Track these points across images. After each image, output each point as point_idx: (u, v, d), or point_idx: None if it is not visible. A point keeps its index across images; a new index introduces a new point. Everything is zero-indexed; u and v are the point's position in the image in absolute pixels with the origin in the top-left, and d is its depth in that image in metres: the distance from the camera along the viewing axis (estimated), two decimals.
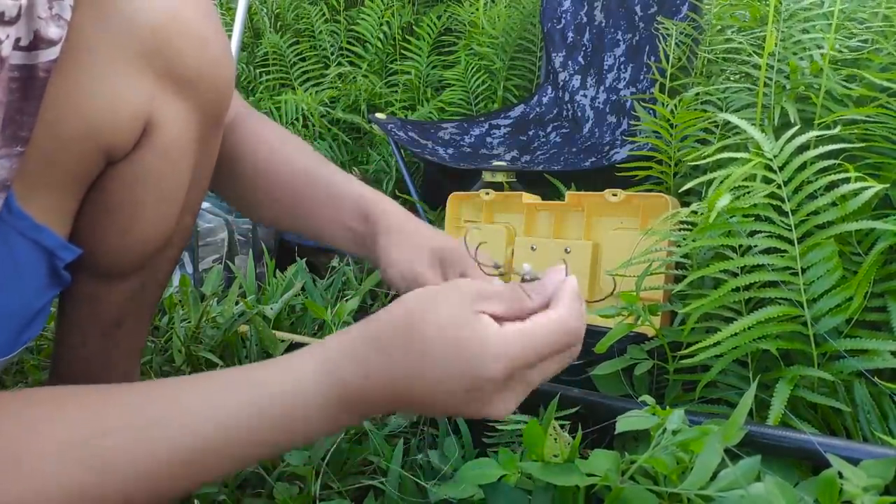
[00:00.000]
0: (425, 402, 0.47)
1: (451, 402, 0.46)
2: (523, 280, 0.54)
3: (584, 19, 1.82)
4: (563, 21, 1.86)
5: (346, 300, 1.12)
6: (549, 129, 1.79)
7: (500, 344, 0.45)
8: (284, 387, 0.47)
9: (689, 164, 1.03)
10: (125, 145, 0.58)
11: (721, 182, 0.74)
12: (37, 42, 0.49)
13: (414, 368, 0.46)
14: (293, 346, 0.99)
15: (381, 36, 2.36)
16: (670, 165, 1.10)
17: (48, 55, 0.50)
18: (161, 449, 0.44)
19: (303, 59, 2.42)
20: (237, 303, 1.09)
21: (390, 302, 1.18)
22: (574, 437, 0.61)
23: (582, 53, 1.80)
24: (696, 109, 1.09)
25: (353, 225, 0.74)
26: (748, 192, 0.77)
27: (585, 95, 1.75)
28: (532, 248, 1.19)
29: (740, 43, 1.10)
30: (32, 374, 0.96)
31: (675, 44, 1.34)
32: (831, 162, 0.74)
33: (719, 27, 1.31)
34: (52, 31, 0.50)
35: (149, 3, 0.55)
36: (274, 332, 1.01)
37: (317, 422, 0.47)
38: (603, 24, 1.77)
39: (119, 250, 0.65)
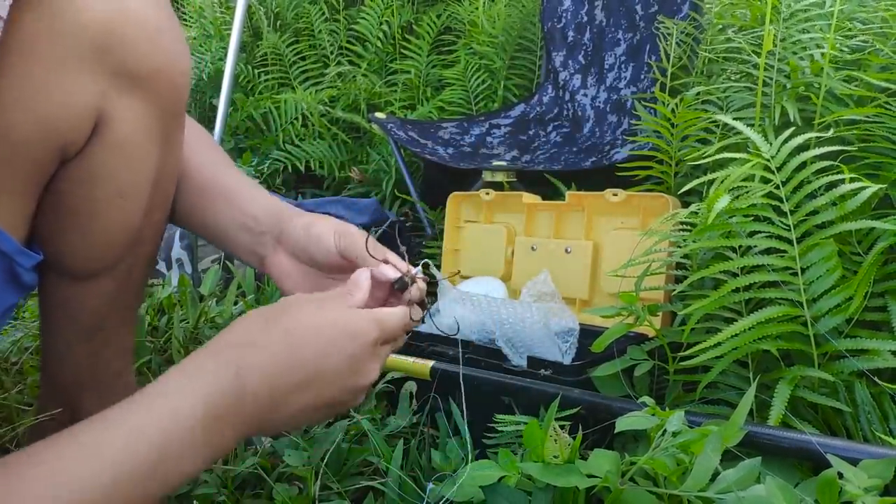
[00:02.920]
0: (309, 382, 0.51)
1: (338, 379, 0.52)
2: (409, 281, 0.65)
3: (585, 18, 1.82)
4: (563, 20, 1.86)
5: None
6: (549, 129, 1.79)
7: (368, 314, 0.55)
8: (165, 430, 0.46)
9: (689, 163, 1.03)
10: (78, 142, 0.58)
11: (720, 183, 0.74)
12: None
13: (296, 356, 0.51)
14: None
15: (381, 35, 2.36)
16: (671, 165, 1.10)
17: None
18: None
19: (302, 59, 2.42)
20: (236, 302, 1.09)
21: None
22: (574, 438, 0.61)
23: (582, 52, 1.79)
24: (696, 109, 1.09)
25: (254, 216, 0.74)
26: (747, 193, 0.77)
27: (586, 95, 1.75)
28: (532, 248, 1.19)
29: (740, 42, 1.10)
30: (31, 374, 0.96)
31: (676, 43, 1.34)
32: (830, 162, 0.74)
33: (720, 26, 1.31)
34: None
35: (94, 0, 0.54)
36: None
37: (202, 451, 0.47)
38: (603, 24, 1.77)
39: (83, 251, 0.64)
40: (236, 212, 0.75)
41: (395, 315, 0.58)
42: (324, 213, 1.57)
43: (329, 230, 0.69)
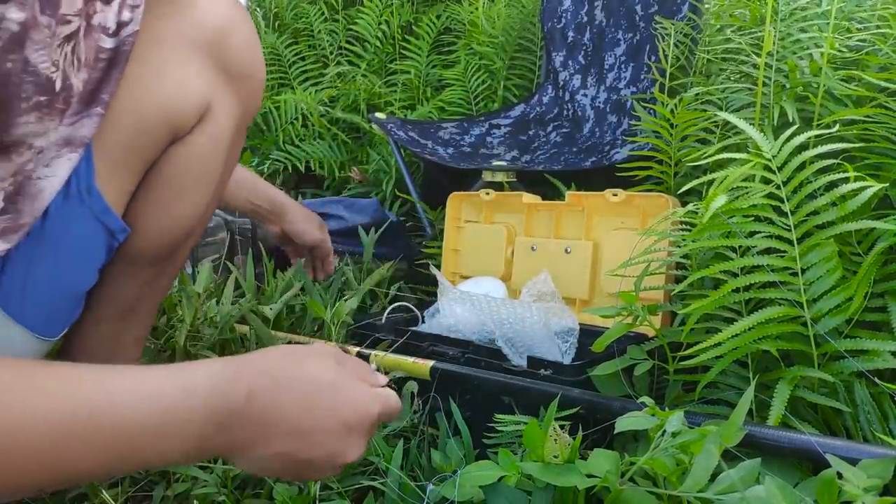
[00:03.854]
0: (302, 432, 0.51)
1: (327, 441, 0.52)
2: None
3: (585, 18, 1.82)
4: (563, 20, 1.86)
5: (346, 300, 1.11)
6: (549, 129, 1.79)
7: (375, 393, 0.57)
8: (176, 400, 0.48)
9: (689, 164, 1.03)
10: (187, 127, 0.67)
11: (720, 183, 0.74)
12: (119, 28, 0.60)
13: (302, 401, 0.52)
14: None
15: (380, 35, 2.36)
16: (671, 165, 1.10)
17: (129, 30, 0.61)
18: (57, 425, 0.43)
19: (302, 59, 2.42)
20: (233, 302, 1.09)
21: (391, 303, 1.18)
22: (574, 438, 0.61)
23: (582, 53, 1.80)
24: (696, 109, 1.09)
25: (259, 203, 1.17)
26: (747, 193, 0.77)
27: (586, 95, 1.75)
28: (532, 248, 1.19)
29: (739, 43, 1.10)
30: None
31: (675, 44, 1.34)
32: (830, 162, 0.74)
33: (718, 27, 1.31)
34: (126, 14, 0.60)
35: (214, 8, 0.67)
36: (273, 332, 1.01)
37: (191, 437, 0.48)
38: (603, 24, 1.77)
39: (158, 229, 0.70)
40: (243, 199, 1.03)
41: (394, 399, 0.59)
42: (323, 212, 1.59)
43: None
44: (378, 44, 2.35)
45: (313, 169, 2.02)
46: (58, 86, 0.55)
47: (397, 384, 0.88)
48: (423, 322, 1.12)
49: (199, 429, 0.48)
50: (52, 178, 0.59)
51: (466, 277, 1.26)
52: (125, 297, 0.73)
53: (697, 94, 1.12)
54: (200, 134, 0.68)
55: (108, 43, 0.59)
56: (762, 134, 0.77)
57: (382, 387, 0.59)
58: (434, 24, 2.30)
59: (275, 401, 0.51)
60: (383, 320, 1.09)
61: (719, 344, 0.71)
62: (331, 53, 2.43)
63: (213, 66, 0.66)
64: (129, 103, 0.62)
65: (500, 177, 1.39)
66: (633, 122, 1.49)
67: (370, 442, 0.58)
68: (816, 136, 0.78)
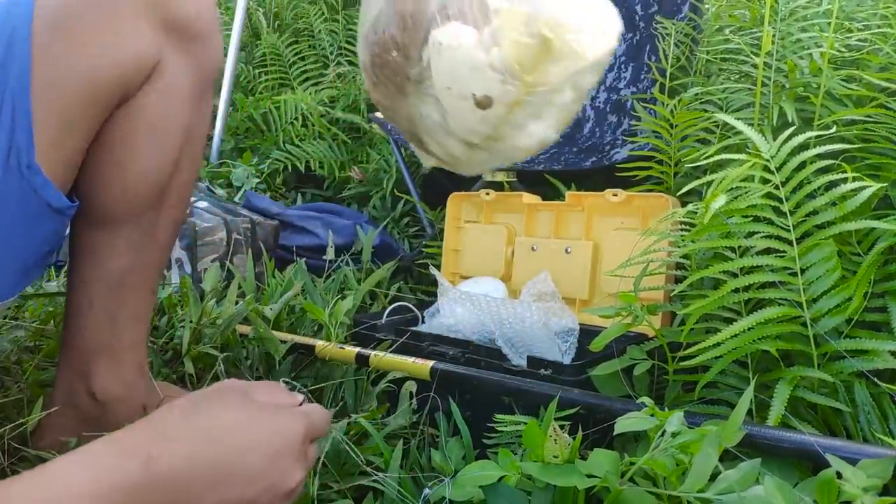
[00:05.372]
0: (228, 477, 0.48)
1: (260, 478, 0.49)
2: None
3: None
4: None
5: (344, 299, 1.11)
6: None
7: (296, 414, 0.54)
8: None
9: (689, 164, 1.03)
10: (137, 87, 0.67)
11: (719, 184, 0.74)
12: None
13: (215, 449, 0.48)
14: (294, 348, 0.99)
15: None
16: (670, 165, 1.10)
17: None
18: None
19: (302, 59, 2.42)
20: (236, 302, 1.09)
21: (391, 303, 1.17)
22: (574, 438, 0.61)
23: None
24: (695, 109, 1.09)
25: None
26: (746, 193, 0.77)
27: None
28: (532, 248, 1.19)
29: (738, 43, 1.10)
30: (33, 374, 0.96)
31: (675, 44, 1.34)
32: (829, 162, 0.74)
33: (718, 27, 1.31)
34: None
35: None
36: (274, 332, 1.01)
37: None
38: None
39: (120, 187, 0.70)
40: None
41: (318, 411, 0.56)
42: (300, 226, 1.61)
43: None
44: None
45: (313, 169, 2.02)
46: None
47: (397, 384, 0.88)
48: (423, 322, 1.12)
49: None
50: None
51: (466, 277, 1.26)
52: (111, 269, 0.73)
53: (697, 94, 1.12)
54: (148, 91, 0.67)
55: None
56: (760, 134, 0.77)
57: (301, 403, 0.57)
58: None
59: (182, 458, 0.47)
60: (383, 320, 1.09)
61: (719, 344, 0.71)
62: (331, 53, 2.43)
63: (159, 24, 0.65)
64: (70, 68, 0.60)
65: (500, 177, 1.39)
66: (633, 122, 1.49)
67: (313, 459, 0.55)
68: (816, 137, 0.78)
